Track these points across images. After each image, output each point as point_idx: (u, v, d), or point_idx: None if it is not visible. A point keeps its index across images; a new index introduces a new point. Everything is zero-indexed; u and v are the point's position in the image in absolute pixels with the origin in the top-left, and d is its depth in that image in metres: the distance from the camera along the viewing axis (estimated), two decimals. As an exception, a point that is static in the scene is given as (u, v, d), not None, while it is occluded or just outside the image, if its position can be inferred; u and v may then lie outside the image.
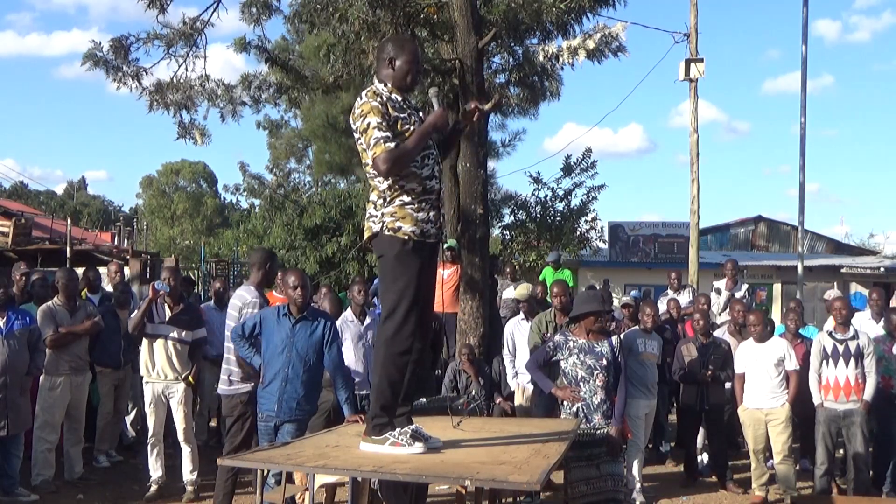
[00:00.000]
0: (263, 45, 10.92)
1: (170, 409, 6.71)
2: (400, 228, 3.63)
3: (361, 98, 3.68)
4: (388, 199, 3.66)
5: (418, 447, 3.60)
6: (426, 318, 3.86)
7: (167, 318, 6.60)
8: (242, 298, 5.83)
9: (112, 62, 9.94)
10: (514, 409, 7.81)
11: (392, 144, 3.55)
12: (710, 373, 7.42)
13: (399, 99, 3.72)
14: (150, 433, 6.67)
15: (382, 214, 3.66)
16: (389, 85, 3.72)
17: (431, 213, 3.70)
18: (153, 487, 6.68)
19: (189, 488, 6.65)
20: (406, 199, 3.64)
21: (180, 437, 6.67)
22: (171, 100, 10.43)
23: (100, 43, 9.95)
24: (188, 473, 6.68)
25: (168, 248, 38.75)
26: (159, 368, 6.58)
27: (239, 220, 30.45)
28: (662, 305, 9.64)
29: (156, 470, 6.68)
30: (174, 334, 6.57)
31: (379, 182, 3.68)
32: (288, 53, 17.20)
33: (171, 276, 6.73)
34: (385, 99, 3.67)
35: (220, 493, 5.68)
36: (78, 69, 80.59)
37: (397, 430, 3.66)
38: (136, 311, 6.73)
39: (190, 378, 6.70)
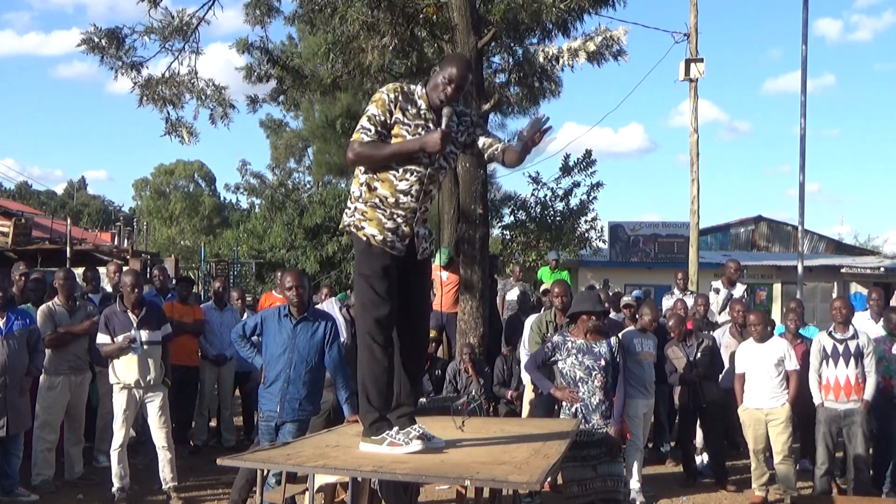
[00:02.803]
0: (265, 47, 10.92)
1: (144, 415, 6.57)
2: (362, 229, 3.63)
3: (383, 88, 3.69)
4: (362, 195, 3.66)
5: (416, 445, 3.57)
6: (411, 317, 3.81)
7: (134, 325, 6.40)
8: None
9: (107, 50, 9.93)
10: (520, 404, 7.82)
11: (367, 138, 3.55)
12: (694, 371, 7.48)
13: (423, 105, 3.63)
14: (117, 441, 6.36)
15: (355, 209, 3.68)
16: (426, 90, 3.66)
17: (402, 229, 3.63)
18: (119, 494, 6.40)
19: (173, 495, 6.49)
20: (377, 202, 3.62)
21: (162, 443, 6.48)
22: (160, 94, 10.41)
23: (100, 28, 9.97)
24: (171, 480, 6.49)
25: (167, 248, 38.73)
26: (135, 377, 6.36)
27: (239, 219, 30.45)
28: (668, 303, 9.66)
29: (122, 478, 6.41)
30: (144, 337, 6.40)
31: (359, 172, 3.68)
32: (290, 55, 17.21)
33: (131, 282, 6.47)
34: (403, 98, 3.60)
35: (241, 478, 5.71)
36: (77, 68, 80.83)
37: (395, 428, 3.64)
38: (107, 342, 6.38)
39: (167, 380, 6.59)
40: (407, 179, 3.60)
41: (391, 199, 3.60)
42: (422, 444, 3.60)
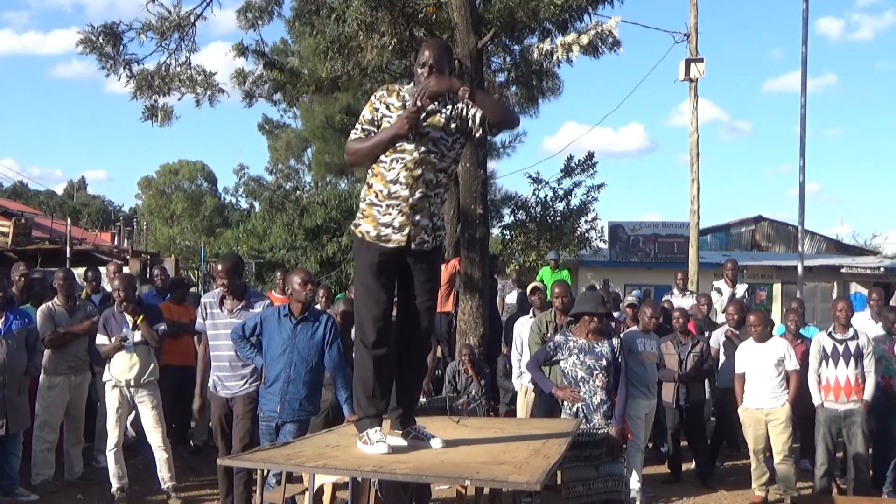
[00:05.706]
0: (262, 50, 10.91)
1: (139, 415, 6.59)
2: (359, 226, 3.70)
3: None
4: (365, 197, 3.73)
5: (380, 447, 3.60)
6: (408, 317, 3.83)
7: (129, 325, 6.43)
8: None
9: (103, 49, 9.92)
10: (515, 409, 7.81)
11: (354, 136, 3.70)
12: (687, 371, 7.54)
13: (409, 99, 3.68)
14: (112, 441, 6.38)
15: (358, 210, 3.77)
16: (411, 86, 3.74)
17: (398, 219, 3.60)
18: (119, 494, 6.42)
19: (172, 494, 6.50)
20: (373, 198, 3.67)
21: (157, 443, 6.48)
22: (151, 85, 10.38)
23: (97, 27, 9.97)
24: (169, 480, 6.49)
25: (168, 248, 38.71)
26: (127, 375, 6.38)
27: (239, 220, 30.43)
28: (677, 301, 9.66)
29: (121, 478, 6.42)
30: (137, 338, 6.42)
31: (365, 176, 3.80)
32: (285, 56, 17.20)
33: (122, 285, 6.49)
34: (388, 94, 3.70)
35: (239, 483, 5.69)
36: (76, 67, 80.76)
37: (374, 428, 3.68)
38: (104, 343, 6.46)
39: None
40: (394, 168, 3.62)
41: (384, 192, 3.64)
42: (386, 446, 3.61)
